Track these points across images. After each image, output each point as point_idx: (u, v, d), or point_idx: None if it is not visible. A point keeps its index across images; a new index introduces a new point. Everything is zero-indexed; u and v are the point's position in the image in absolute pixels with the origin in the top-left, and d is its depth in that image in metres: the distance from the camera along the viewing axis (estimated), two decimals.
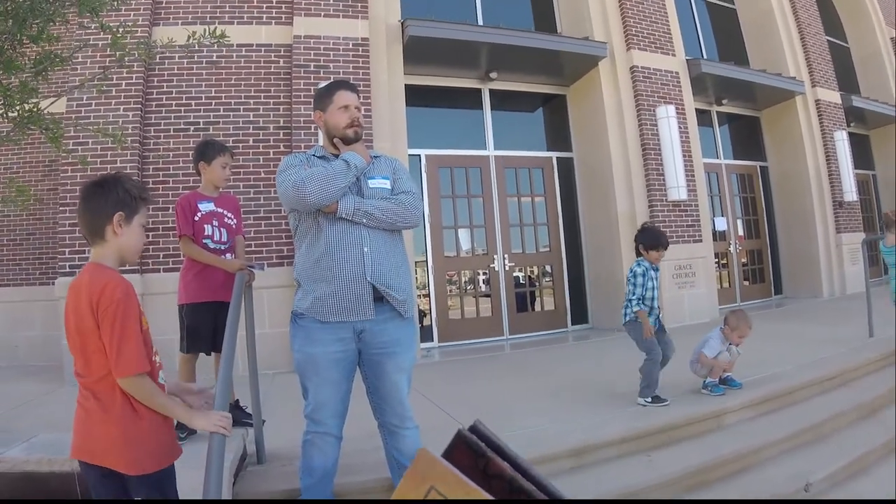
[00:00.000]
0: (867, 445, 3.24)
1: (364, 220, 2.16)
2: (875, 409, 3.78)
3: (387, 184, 2.29)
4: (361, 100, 2.44)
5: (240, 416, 3.07)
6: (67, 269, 5.70)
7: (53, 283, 7.08)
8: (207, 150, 3.24)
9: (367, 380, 2.29)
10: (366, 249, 2.15)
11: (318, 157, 2.34)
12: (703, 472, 2.88)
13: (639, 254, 3.71)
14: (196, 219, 3.11)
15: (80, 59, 5.59)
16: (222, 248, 3.18)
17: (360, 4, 6.32)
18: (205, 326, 3.08)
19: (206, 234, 3.14)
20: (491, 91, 7.42)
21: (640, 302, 3.58)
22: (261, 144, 5.99)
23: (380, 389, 2.26)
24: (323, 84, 5.92)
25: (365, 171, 2.27)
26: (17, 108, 3.06)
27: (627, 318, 3.67)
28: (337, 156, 2.28)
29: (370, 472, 2.63)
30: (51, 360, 6.59)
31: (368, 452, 2.71)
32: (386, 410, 2.28)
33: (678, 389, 3.75)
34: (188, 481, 1.77)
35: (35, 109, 3.12)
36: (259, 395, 2.97)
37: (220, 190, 3.33)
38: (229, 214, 3.26)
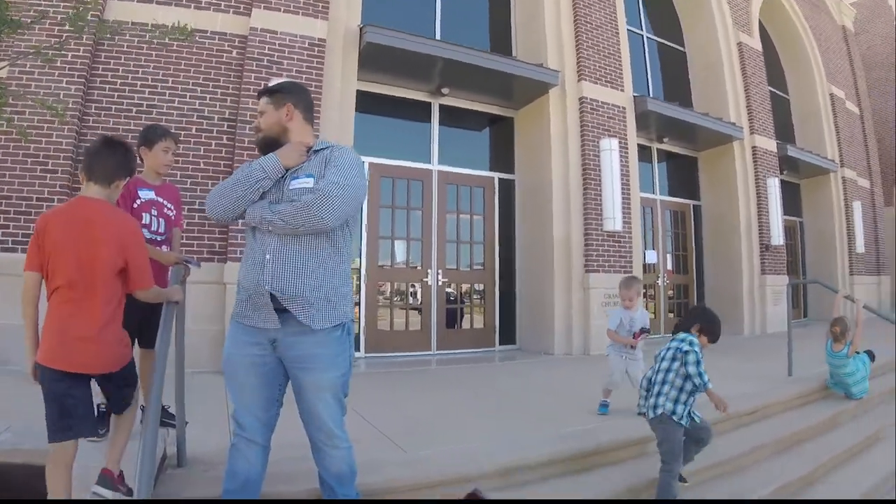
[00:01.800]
0: (786, 478, 3.52)
1: (269, 228, 2.10)
2: (793, 444, 4.11)
3: (310, 183, 2.13)
4: (290, 100, 2.31)
5: (162, 415, 2.94)
6: None
7: None
8: (150, 135, 3.17)
9: (295, 394, 2.24)
10: (267, 256, 2.10)
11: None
12: (630, 493, 3.09)
13: (687, 330, 3.19)
14: (135, 206, 3.00)
15: (30, 25, 5.49)
16: (158, 238, 3.09)
17: (321, 4, 6.42)
18: (129, 318, 2.95)
19: (143, 222, 2.98)
20: (441, 106, 7.64)
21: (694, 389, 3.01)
22: (203, 135, 5.98)
23: (300, 404, 2.21)
24: (274, 80, 6.07)
25: (295, 172, 2.19)
26: None
27: (674, 412, 3.00)
28: None
29: (303, 481, 2.58)
30: None
31: (306, 460, 2.64)
32: (310, 426, 2.22)
33: (614, 413, 4.01)
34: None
35: None
36: (184, 395, 2.86)
37: (163, 178, 3.26)
38: (169, 205, 3.19)
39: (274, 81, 5.93)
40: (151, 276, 2.33)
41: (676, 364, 3.07)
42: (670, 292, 9.66)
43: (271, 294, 2.08)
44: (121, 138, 2.41)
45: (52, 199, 5.64)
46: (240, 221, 2.29)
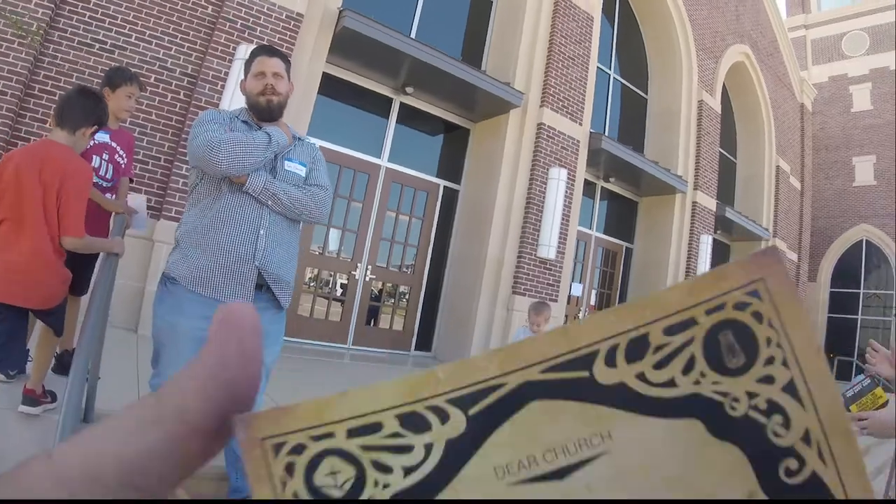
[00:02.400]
0: None
1: (269, 202, 2.11)
2: None
3: (302, 171, 2.22)
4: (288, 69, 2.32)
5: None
6: None
7: None
8: (115, 77, 3.11)
9: None
10: (262, 232, 2.10)
11: (242, 120, 2.25)
12: None
13: None
14: (87, 147, 2.94)
15: None
16: (105, 185, 3.03)
17: None
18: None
19: (92, 165, 2.91)
20: (402, 104, 7.71)
21: None
22: (161, 86, 5.87)
23: None
24: (243, 45, 6.03)
25: (284, 152, 2.21)
26: None
27: None
28: (260, 127, 2.22)
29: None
30: None
31: None
32: None
33: None
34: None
35: None
36: (101, 350, 2.83)
37: (119, 123, 3.19)
38: (121, 151, 3.12)
39: (245, 48, 5.95)
40: (82, 227, 2.36)
41: None
42: None
43: (258, 269, 2.09)
44: (93, 89, 2.56)
45: None
46: (193, 177, 2.23)
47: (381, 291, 7.68)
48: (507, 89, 7.67)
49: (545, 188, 7.92)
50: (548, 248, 7.83)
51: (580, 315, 9.66)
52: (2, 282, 2.21)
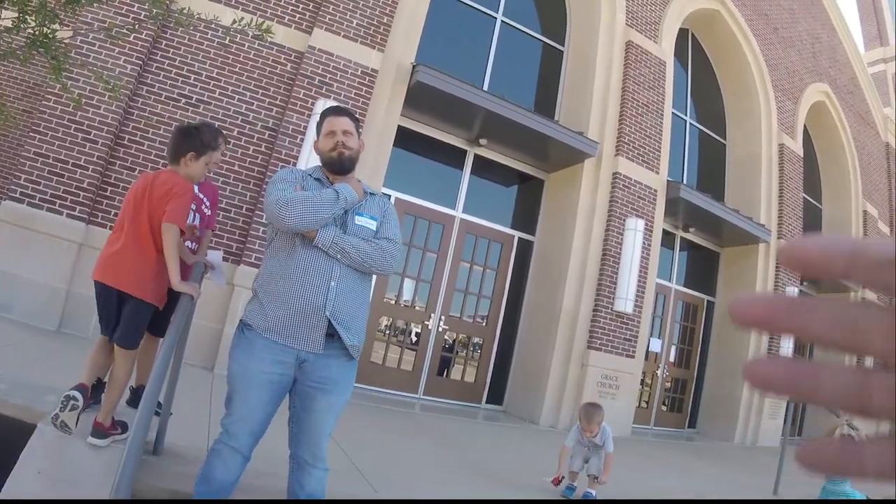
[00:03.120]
0: None
1: (338, 256, 2.22)
2: None
3: (373, 225, 2.34)
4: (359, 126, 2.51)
5: None
6: (18, 195, 5.77)
7: None
8: (212, 136, 3.15)
9: (294, 409, 2.33)
10: (332, 283, 2.20)
11: (314, 178, 2.40)
12: None
13: None
14: (205, 171, 3.06)
15: None
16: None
17: (379, 36, 6.72)
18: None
19: None
20: (476, 155, 7.82)
21: None
22: (244, 139, 6.23)
23: (303, 422, 2.30)
24: (321, 100, 6.30)
25: (355, 207, 2.34)
26: (35, 28, 3.08)
27: None
28: (332, 183, 2.36)
29: (265, 496, 2.75)
30: None
31: (269, 477, 2.83)
32: (302, 443, 2.32)
33: None
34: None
35: (51, 35, 3.16)
36: (175, 386, 2.97)
37: (206, 176, 3.27)
38: (207, 203, 3.26)
39: (323, 102, 6.22)
40: (180, 221, 2.69)
41: None
42: (668, 385, 9.61)
43: (329, 320, 2.19)
44: (185, 126, 2.99)
45: (86, 168, 5.89)
46: (269, 232, 2.40)
47: (453, 342, 7.64)
48: (581, 139, 7.64)
49: (622, 239, 7.76)
50: (625, 301, 7.61)
51: (658, 372, 9.28)
52: (101, 267, 2.71)
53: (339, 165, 2.37)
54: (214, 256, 3.02)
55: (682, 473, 5.96)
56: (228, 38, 5.29)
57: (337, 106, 2.59)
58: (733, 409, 9.45)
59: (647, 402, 9.11)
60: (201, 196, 3.21)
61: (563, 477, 3.99)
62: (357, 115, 6.36)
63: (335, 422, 2.34)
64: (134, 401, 3.13)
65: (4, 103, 4.65)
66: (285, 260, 2.26)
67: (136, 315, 2.70)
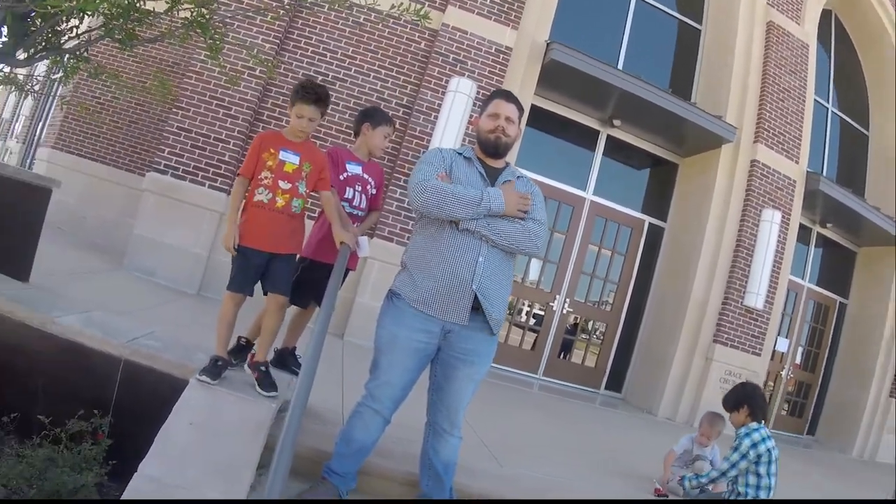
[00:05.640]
0: None
1: (485, 238, 2.37)
2: None
3: None
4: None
5: (292, 363, 3.24)
6: (162, 167, 6.31)
7: (140, 174, 7.75)
8: (377, 115, 3.34)
9: (435, 378, 2.49)
10: (480, 259, 2.35)
11: (465, 157, 2.53)
12: None
13: (731, 411, 3.52)
14: (341, 178, 3.14)
15: None
16: (358, 214, 3.24)
17: (514, 13, 6.81)
18: (312, 285, 3.06)
19: (346, 196, 3.15)
20: (608, 136, 7.82)
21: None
22: None
23: (443, 390, 2.46)
24: (455, 78, 6.52)
25: (500, 184, 2.46)
26: (194, 10, 3.27)
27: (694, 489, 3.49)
28: (483, 162, 2.52)
29: (396, 462, 2.88)
30: (113, 242, 7.23)
31: (403, 443, 2.95)
32: (440, 411, 2.48)
33: None
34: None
35: (209, 17, 3.34)
36: (321, 351, 3.12)
37: (370, 157, 3.40)
38: (373, 183, 3.29)
39: (457, 81, 6.43)
40: (328, 185, 2.84)
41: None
42: (791, 387, 9.31)
43: (475, 293, 2.34)
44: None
45: (228, 142, 6.37)
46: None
47: (576, 325, 7.74)
48: (719, 123, 7.49)
49: (756, 231, 7.57)
50: (755, 296, 7.45)
51: (783, 373, 9.04)
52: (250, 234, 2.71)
53: (493, 149, 2.51)
54: (362, 240, 3.05)
55: (801, 484, 5.70)
56: (352, 18, 5.47)
57: (508, 91, 2.69)
58: (856, 419, 9.05)
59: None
60: (366, 176, 3.27)
61: (668, 481, 3.86)
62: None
63: (473, 392, 2.49)
64: (277, 361, 3.21)
65: (168, 81, 5.06)
66: (434, 235, 2.41)
67: (281, 267, 2.83)
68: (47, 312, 2.98)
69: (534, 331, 7.48)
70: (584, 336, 7.84)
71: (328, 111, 3.33)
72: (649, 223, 8.03)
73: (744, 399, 3.46)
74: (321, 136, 6.35)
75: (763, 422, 3.42)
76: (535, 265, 7.52)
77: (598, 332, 7.87)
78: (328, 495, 2.47)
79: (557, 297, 7.43)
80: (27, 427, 2.74)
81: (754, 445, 3.29)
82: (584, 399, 7.10)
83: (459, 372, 2.42)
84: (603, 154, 7.83)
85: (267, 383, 2.67)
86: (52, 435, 2.61)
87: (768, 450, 3.31)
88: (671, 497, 3.78)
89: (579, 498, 3.31)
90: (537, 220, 2.45)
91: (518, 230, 2.38)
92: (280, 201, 2.71)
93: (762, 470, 3.31)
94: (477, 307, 2.36)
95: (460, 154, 2.55)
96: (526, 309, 7.57)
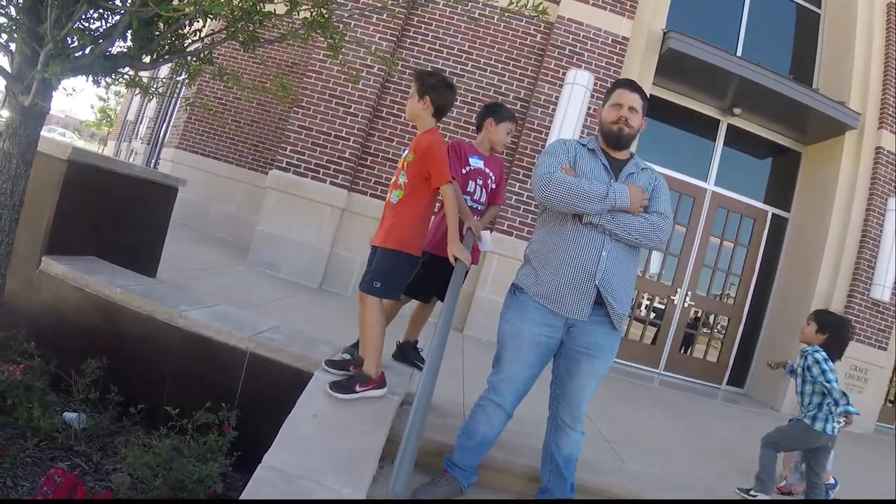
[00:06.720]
0: None
1: (608, 232, 2.34)
2: None
3: None
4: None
5: (414, 356, 3.33)
6: (284, 165, 6.57)
7: (261, 171, 8.09)
8: (501, 111, 3.39)
9: (558, 372, 2.51)
10: (604, 254, 2.32)
11: (589, 148, 2.50)
12: None
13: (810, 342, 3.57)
14: (464, 171, 3.19)
15: None
16: (479, 208, 3.26)
17: (629, 3, 6.79)
18: (433, 279, 3.16)
19: (468, 190, 3.19)
20: (728, 125, 7.73)
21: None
22: None
23: (566, 385, 2.46)
24: (573, 70, 6.57)
25: (623, 177, 2.43)
26: (313, 10, 3.27)
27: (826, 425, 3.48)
28: (606, 153, 2.49)
29: (517, 455, 2.90)
30: (236, 238, 7.58)
31: (523, 436, 3.00)
32: (562, 406, 2.50)
33: None
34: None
35: (328, 17, 3.33)
36: (444, 346, 3.05)
37: (492, 152, 3.45)
38: (493, 177, 3.33)
39: (574, 73, 6.47)
40: (447, 177, 2.59)
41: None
42: None
43: (597, 288, 2.32)
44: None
45: (347, 139, 6.58)
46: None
47: (697, 319, 7.71)
48: (842, 109, 7.31)
49: (882, 220, 7.37)
50: (882, 288, 7.26)
51: None
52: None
53: (615, 140, 2.47)
54: (485, 235, 3.11)
55: None
56: (459, 5, 5.49)
57: (631, 81, 2.61)
58: None
59: (892, 401, 8.67)
60: (487, 170, 3.31)
61: (786, 480, 3.83)
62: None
63: (596, 387, 2.47)
64: (399, 355, 3.33)
65: (290, 84, 5.25)
66: (557, 230, 2.41)
67: (389, 263, 2.75)
68: (174, 307, 3.02)
69: (654, 325, 7.48)
70: (705, 330, 7.79)
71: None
72: (772, 214, 7.89)
73: (830, 329, 3.53)
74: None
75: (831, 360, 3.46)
76: (656, 258, 7.51)
77: (719, 326, 7.80)
78: (450, 488, 2.53)
79: (679, 290, 7.42)
80: (154, 418, 2.81)
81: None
82: (706, 394, 7.07)
83: (582, 366, 2.42)
84: (724, 143, 7.74)
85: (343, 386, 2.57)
86: (179, 426, 2.63)
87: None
88: (794, 497, 3.77)
89: (699, 498, 3.26)
90: (662, 213, 2.40)
91: (643, 224, 2.34)
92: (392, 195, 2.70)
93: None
94: (600, 301, 2.35)
95: (584, 145, 2.52)
96: (646, 303, 7.56)
